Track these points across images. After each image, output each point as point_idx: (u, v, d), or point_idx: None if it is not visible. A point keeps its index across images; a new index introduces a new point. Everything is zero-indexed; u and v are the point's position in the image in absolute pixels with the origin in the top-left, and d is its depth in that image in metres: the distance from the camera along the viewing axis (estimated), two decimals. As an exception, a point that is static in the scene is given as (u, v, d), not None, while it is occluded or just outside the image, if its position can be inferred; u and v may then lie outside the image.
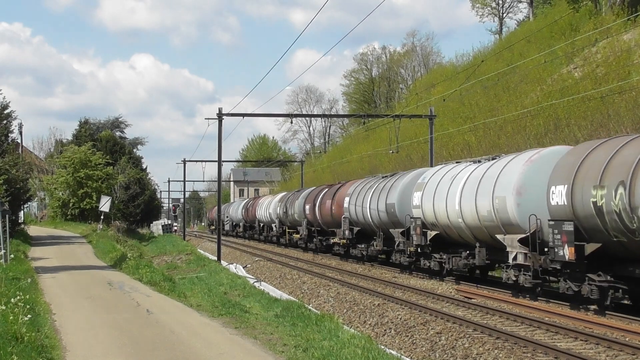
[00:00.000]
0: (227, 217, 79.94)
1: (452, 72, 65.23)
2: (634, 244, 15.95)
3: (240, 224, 72.09)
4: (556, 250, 17.84)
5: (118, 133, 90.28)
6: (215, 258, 38.80)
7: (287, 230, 50.21)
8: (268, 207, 57.54)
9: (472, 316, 18.06)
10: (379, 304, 20.48)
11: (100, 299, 18.63)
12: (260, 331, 14.52)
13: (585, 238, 17.26)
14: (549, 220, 18.40)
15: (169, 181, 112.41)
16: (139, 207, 72.73)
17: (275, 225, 54.30)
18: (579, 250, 17.18)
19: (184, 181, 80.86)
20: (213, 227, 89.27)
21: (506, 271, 20.87)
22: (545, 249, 18.69)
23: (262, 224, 61.16)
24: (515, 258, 20.08)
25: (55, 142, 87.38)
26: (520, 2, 76.41)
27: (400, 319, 18.08)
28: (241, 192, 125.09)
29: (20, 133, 58.10)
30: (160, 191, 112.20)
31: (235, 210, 76.73)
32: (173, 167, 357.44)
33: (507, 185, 20.49)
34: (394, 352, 14.33)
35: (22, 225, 44.40)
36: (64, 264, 28.57)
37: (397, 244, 28.85)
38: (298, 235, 46.36)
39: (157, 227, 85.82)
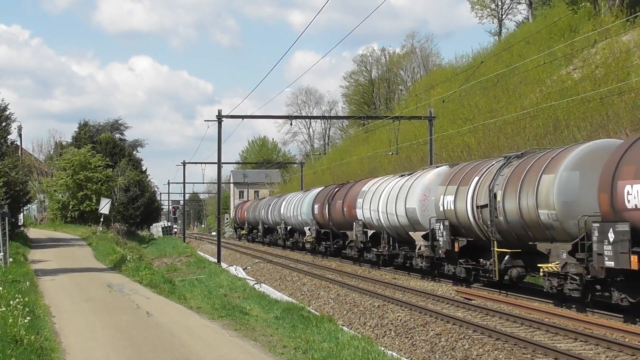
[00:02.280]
0: (270, 218, 56.35)
1: (452, 73, 65.22)
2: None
3: (308, 229, 43.29)
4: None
5: (118, 135, 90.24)
6: (215, 260, 38.80)
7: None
8: (401, 194, 28.58)
9: (472, 317, 18.06)
10: (379, 305, 20.48)
11: (100, 301, 18.63)
12: (260, 333, 14.52)
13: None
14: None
15: (168, 183, 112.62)
16: (139, 209, 72.73)
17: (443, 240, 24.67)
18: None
19: (184, 183, 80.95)
20: (244, 232, 70.93)
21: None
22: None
23: (369, 232, 32.99)
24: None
25: (54, 144, 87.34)
26: (520, 3, 76.50)
27: (400, 320, 18.08)
28: (241, 194, 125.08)
29: (20, 135, 58.17)
30: (160, 193, 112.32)
31: (292, 207, 48.38)
32: (173, 169, 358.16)
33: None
34: (394, 354, 14.34)
35: (22, 228, 44.42)
36: (64, 266, 28.57)
37: None
38: None
39: (157, 229, 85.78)
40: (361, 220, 33.42)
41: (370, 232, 32.88)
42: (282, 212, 51.33)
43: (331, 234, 39.99)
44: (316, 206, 42.02)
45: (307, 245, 44.03)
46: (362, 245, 33.63)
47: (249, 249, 53.20)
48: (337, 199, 38.70)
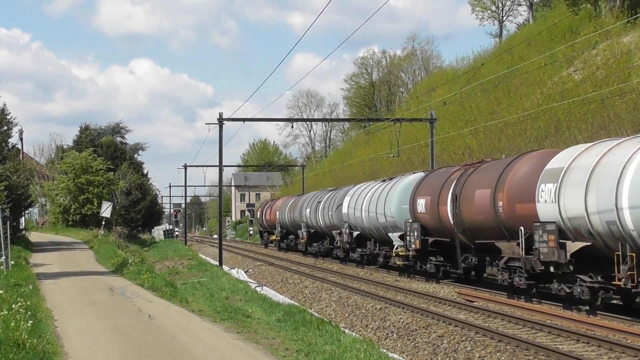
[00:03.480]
0: (321, 219, 41.55)
1: (453, 75, 65.27)
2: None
3: (399, 237, 29.08)
4: None
5: (119, 139, 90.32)
6: (217, 263, 38.80)
7: None
8: None
9: (474, 319, 18.05)
10: (381, 307, 20.47)
11: (101, 305, 18.63)
12: (262, 336, 14.52)
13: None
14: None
15: (170, 186, 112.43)
16: (140, 212, 72.75)
17: None
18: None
19: (185, 186, 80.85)
20: (276, 238, 54.78)
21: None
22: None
23: (574, 246, 17.98)
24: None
25: (56, 148, 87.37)
26: (520, 5, 76.57)
27: (402, 322, 18.06)
28: (242, 197, 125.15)
29: (21, 139, 58.17)
30: (162, 196, 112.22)
31: (365, 204, 33.49)
32: (174, 172, 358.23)
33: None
34: (396, 356, 14.35)
35: (24, 232, 44.41)
36: (66, 269, 28.57)
37: None
38: None
39: (158, 232, 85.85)
40: (553, 221, 18.44)
41: (577, 246, 17.87)
42: (344, 211, 36.54)
43: (458, 245, 24.32)
44: (421, 201, 26.85)
45: (397, 262, 29.15)
46: (544, 269, 19.04)
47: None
48: (475, 187, 22.82)
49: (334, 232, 38.64)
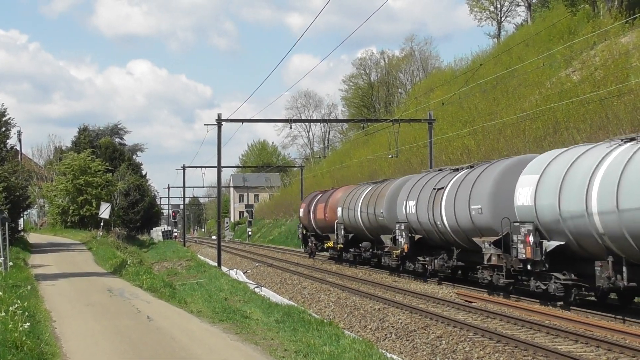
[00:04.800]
0: (443, 216, 24.55)
1: (451, 76, 65.34)
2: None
3: None
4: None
5: (117, 140, 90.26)
6: (216, 264, 38.78)
7: None
8: None
9: (473, 320, 18.05)
10: (380, 308, 20.47)
11: (100, 306, 18.62)
12: (261, 337, 14.51)
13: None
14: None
15: (168, 187, 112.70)
16: (139, 213, 72.71)
17: None
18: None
19: (184, 187, 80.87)
20: (335, 245, 38.33)
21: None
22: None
23: None
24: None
25: (54, 149, 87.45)
26: (519, 5, 76.67)
27: (401, 323, 18.06)
28: (241, 198, 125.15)
29: (20, 140, 58.17)
30: (160, 197, 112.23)
31: (578, 174, 16.81)
32: (172, 173, 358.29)
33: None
34: (394, 357, 14.36)
35: (22, 233, 44.37)
36: (64, 271, 28.55)
37: None
38: None
39: (157, 233, 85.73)
40: None
41: None
42: (523, 201, 19.42)
43: None
44: None
45: None
46: None
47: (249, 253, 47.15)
48: None
49: (479, 240, 22.10)
